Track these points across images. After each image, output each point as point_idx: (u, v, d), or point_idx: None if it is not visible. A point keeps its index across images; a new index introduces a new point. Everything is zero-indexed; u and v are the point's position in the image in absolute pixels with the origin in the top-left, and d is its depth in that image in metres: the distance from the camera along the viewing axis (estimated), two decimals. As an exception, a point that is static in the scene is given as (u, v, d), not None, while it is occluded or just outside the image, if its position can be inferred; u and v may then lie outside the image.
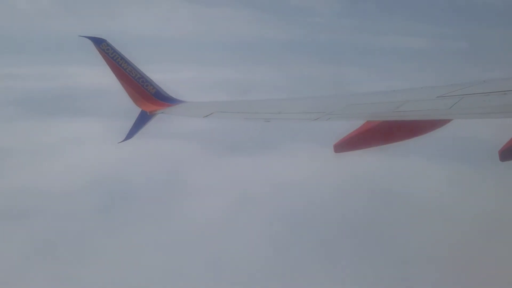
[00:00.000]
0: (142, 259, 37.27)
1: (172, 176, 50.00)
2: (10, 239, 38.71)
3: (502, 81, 8.01)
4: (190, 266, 36.87)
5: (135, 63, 13.00)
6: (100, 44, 12.61)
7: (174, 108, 13.05)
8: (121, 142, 13.04)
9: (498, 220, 36.44)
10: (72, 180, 48.07)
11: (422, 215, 41.17)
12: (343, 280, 35.74)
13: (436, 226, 39.34)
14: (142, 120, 13.15)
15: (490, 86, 7.86)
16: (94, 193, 46.15)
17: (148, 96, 13.06)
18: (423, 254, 36.42)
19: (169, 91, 13.36)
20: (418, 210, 41.75)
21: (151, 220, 42.03)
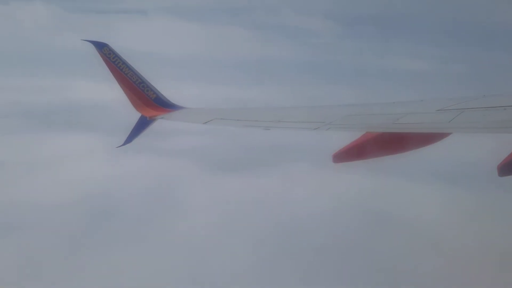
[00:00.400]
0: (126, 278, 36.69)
1: (161, 193, 49.04)
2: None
3: (502, 97, 8.03)
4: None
5: (137, 69, 13.05)
6: (102, 48, 12.66)
7: (173, 114, 13.06)
8: (119, 146, 13.03)
9: (496, 235, 36.36)
10: (61, 195, 47.11)
11: (415, 230, 41.03)
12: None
13: (432, 239, 39.22)
14: (141, 125, 13.16)
15: (490, 101, 7.88)
16: (80, 209, 45.21)
17: (148, 101, 13.08)
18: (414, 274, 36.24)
19: (170, 97, 13.39)
20: (412, 226, 41.62)
21: (134, 239, 41.19)
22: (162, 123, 13.03)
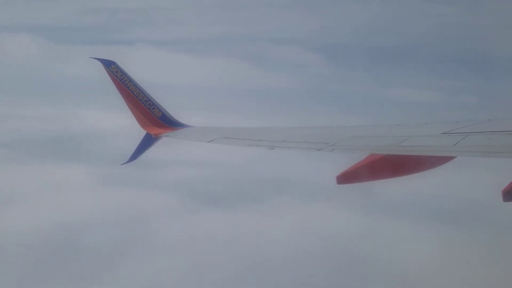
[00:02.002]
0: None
1: (139, 230, 46.72)
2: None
3: (507, 121, 8.05)
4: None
5: (144, 87, 13.19)
6: (110, 66, 12.84)
7: (178, 132, 13.14)
8: (124, 164, 13.09)
9: (500, 259, 35.95)
10: (29, 226, 45.03)
11: (420, 254, 40.48)
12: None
13: (435, 263, 38.72)
14: (146, 142, 13.24)
15: (495, 126, 7.90)
16: (42, 242, 43.10)
17: (154, 119, 13.18)
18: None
19: (176, 115, 13.49)
20: (417, 249, 41.11)
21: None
22: (167, 141, 13.10)
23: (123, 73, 12.87)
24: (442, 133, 8.02)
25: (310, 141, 9.61)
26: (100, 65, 12.84)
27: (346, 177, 9.15)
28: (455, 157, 8.41)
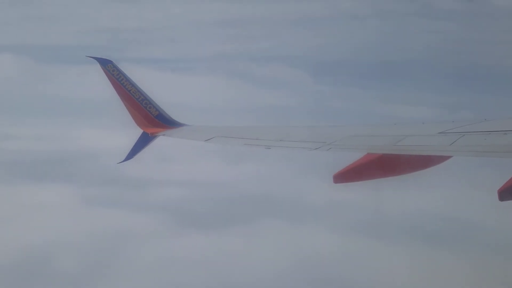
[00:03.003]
0: None
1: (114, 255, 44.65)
2: None
3: (503, 121, 8.07)
4: None
5: (140, 86, 13.16)
6: (106, 65, 12.80)
7: (175, 131, 13.12)
8: (121, 162, 13.07)
9: (497, 259, 36.06)
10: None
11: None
12: None
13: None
14: (143, 141, 13.22)
15: (491, 125, 7.92)
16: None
17: (150, 118, 13.16)
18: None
19: (173, 115, 13.46)
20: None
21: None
22: (163, 140, 13.09)
23: (120, 72, 12.84)
24: (439, 133, 8.04)
25: (307, 140, 9.62)
26: (97, 64, 12.81)
27: (343, 177, 9.17)
28: (451, 156, 8.44)
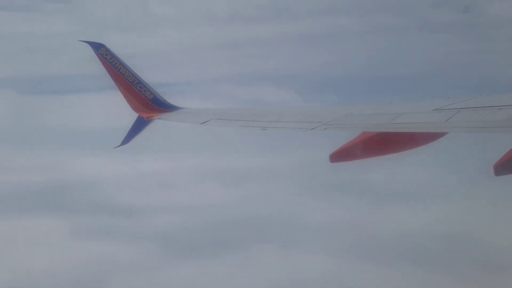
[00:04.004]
0: None
1: None
2: None
3: (498, 96, 8.08)
4: None
5: (134, 70, 13.05)
6: (99, 49, 12.65)
7: (171, 114, 13.07)
8: (117, 147, 13.05)
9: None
10: None
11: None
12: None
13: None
14: (139, 125, 13.17)
15: (486, 101, 7.93)
16: None
17: (145, 102, 13.08)
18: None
19: (167, 98, 13.39)
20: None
21: None
22: (159, 123, 13.04)
23: (113, 56, 12.70)
24: (434, 110, 8.05)
25: (303, 120, 9.62)
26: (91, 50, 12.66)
27: (339, 156, 9.20)
28: (447, 133, 8.46)
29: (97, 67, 12.74)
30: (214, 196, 47.43)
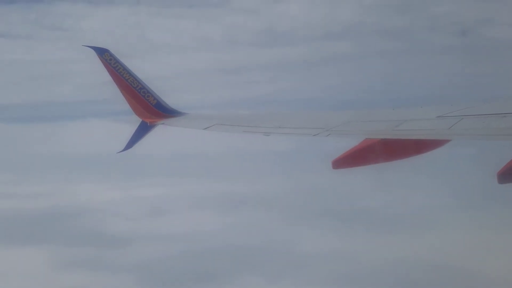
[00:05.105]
0: None
1: None
2: None
3: (502, 103, 8.05)
4: None
5: (138, 75, 13.09)
6: (103, 54, 12.71)
7: (174, 120, 13.10)
8: (120, 152, 13.07)
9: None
10: None
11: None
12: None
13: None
14: (142, 130, 13.20)
15: (490, 108, 7.90)
16: None
17: (148, 107, 13.12)
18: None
19: (171, 103, 13.42)
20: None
21: None
22: (162, 129, 13.07)
23: (117, 61, 12.75)
24: (437, 117, 8.03)
25: (306, 126, 9.62)
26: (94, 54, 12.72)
27: (341, 162, 9.19)
28: (450, 140, 8.43)
29: (99, 71, 12.79)
30: (210, 222, 46.34)
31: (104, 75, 12.84)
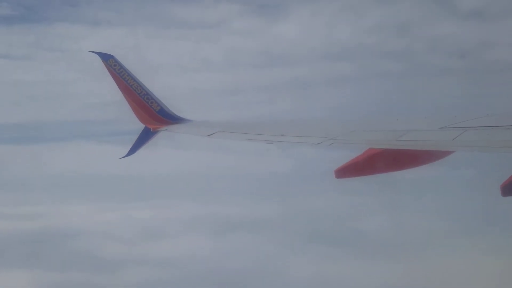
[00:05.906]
0: None
1: None
2: None
3: (506, 116, 8.03)
4: None
5: (142, 81, 13.14)
6: (108, 59, 12.77)
7: (177, 126, 13.13)
8: (123, 157, 13.09)
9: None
10: None
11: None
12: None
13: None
14: (145, 136, 13.23)
15: (494, 120, 7.89)
16: None
17: (152, 113, 13.16)
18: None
19: (174, 109, 13.45)
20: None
21: None
22: (165, 135, 13.09)
23: (121, 67, 12.81)
24: (441, 128, 8.01)
25: (309, 135, 9.60)
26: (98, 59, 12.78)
27: (344, 172, 9.15)
28: (454, 151, 8.41)
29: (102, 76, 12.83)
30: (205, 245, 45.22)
31: (107, 82, 12.90)
